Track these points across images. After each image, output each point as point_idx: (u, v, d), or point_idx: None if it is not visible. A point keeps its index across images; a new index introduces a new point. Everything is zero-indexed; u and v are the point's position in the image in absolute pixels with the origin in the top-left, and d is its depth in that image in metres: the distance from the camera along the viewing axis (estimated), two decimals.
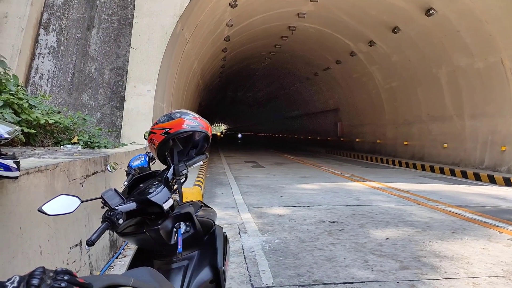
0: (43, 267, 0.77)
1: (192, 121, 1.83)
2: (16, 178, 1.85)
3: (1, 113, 3.92)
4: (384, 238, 5.02)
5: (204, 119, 1.91)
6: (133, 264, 1.76)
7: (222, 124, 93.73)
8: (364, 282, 3.55)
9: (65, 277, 0.76)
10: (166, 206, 1.62)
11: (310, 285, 3.48)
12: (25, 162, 2.51)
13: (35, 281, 0.72)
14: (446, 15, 12.36)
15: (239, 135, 49.27)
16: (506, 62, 11.59)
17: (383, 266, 3.96)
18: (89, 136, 5.49)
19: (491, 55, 12.03)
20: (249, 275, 3.71)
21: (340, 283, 3.52)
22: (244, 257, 4.23)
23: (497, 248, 4.65)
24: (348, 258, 4.23)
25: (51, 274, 0.76)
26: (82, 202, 1.47)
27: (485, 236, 5.20)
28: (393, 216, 6.33)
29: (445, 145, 14.72)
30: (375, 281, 3.58)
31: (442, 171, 13.39)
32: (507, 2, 10.62)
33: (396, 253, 4.39)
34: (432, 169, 13.95)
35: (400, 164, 16.18)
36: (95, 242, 1.39)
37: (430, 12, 12.45)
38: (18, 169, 1.79)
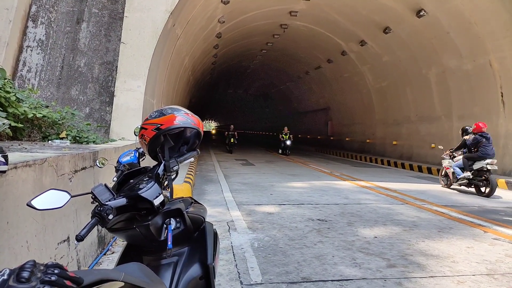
0: (34, 261, 0.76)
1: (183, 117, 1.82)
2: (4, 172, 1.83)
3: None
4: (372, 237, 5.07)
5: (196, 116, 1.91)
6: (122, 260, 1.76)
7: (213, 121, 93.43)
8: (352, 279, 3.59)
9: (56, 271, 0.76)
10: (156, 202, 1.62)
11: (298, 282, 3.50)
12: (12, 157, 2.48)
13: (25, 274, 0.72)
14: (436, 16, 12.49)
15: (288, 142, 21.04)
16: (494, 64, 11.77)
17: (371, 264, 4.01)
18: (77, 131, 5.42)
19: (479, 57, 12.20)
20: (238, 272, 3.72)
21: (328, 281, 3.55)
22: (233, 254, 4.24)
23: (482, 247, 4.74)
24: (337, 256, 4.26)
25: (42, 267, 0.76)
26: (71, 197, 1.46)
27: (470, 235, 5.29)
28: (381, 215, 6.40)
29: (433, 145, 14.90)
30: (363, 278, 3.62)
31: (429, 171, 13.56)
32: (496, 5, 10.78)
33: (383, 251, 4.44)
34: (420, 169, 14.12)
35: (389, 164, 16.34)
36: (85, 237, 1.38)
37: (421, 13, 12.57)
38: (6, 163, 1.76)
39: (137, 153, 2.43)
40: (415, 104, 16.18)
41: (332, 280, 3.56)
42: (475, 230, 5.59)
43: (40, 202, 1.37)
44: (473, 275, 3.78)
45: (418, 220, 6.09)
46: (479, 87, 12.59)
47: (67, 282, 0.76)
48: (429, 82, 14.89)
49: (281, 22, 17.20)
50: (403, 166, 15.26)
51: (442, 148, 10.88)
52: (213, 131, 64.71)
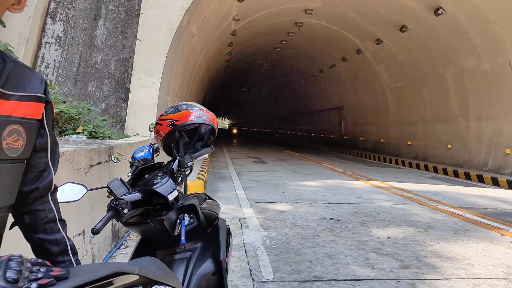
0: (21, 256, 0.75)
1: (198, 114, 1.82)
2: None
3: None
4: (385, 237, 5.02)
5: (211, 112, 1.91)
6: (136, 254, 1.77)
7: (226, 119, 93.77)
8: (364, 280, 3.56)
9: (41, 269, 0.75)
10: (171, 197, 1.63)
11: (310, 281, 3.48)
12: None
13: (12, 275, 0.71)
14: (455, 15, 12.26)
15: None
16: None
17: (384, 265, 3.96)
18: (93, 126, 5.50)
19: (499, 57, 11.93)
20: (250, 269, 3.72)
21: (340, 280, 3.52)
22: (245, 252, 4.25)
23: (499, 250, 4.65)
24: (349, 255, 4.23)
25: (28, 264, 0.75)
26: (88, 190, 1.48)
27: (486, 238, 5.19)
28: (395, 216, 6.33)
29: (449, 146, 14.65)
30: (376, 279, 3.58)
31: (445, 172, 13.34)
32: None
33: (397, 252, 4.39)
34: (435, 170, 13.90)
35: (403, 164, 16.13)
36: (100, 230, 1.39)
37: (439, 12, 12.34)
38: None
39: (151, 149, 2.44)
40: (431, 104, 15.92)
41: (344, 280, 3.53)
42: (492, 232, 5.48)
43: (57, 195, 1.39)
44: (489, 278, 3.71)
45: (432, 222, 6.00)
46: (497, 87, 12.31)
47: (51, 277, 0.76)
48: (446, 82, 14.63)
49: (296, 20, 17.11)
50: (418, 167, 15.05)
51: None
52: (235, 130, 50.12)
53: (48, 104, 1.04)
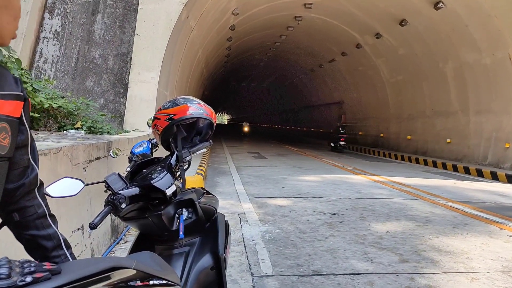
0: (7, 258, 0.76)
1: (196, 108, 1.81)
2: None
3: None
4: (384, 231, 5.03)
5: (209, 106, 1.90)
6: (134, 249, 1.77)
7: (226, 114, 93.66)
8: (363, 274, 3.57)
9: (32, 264, 0.76)
10: (168, 191, 1.62)
11: (309, 275, 3.49)
12: None
13: (4, 271, 0.72)
14: (454, 9, 12.20)
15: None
16: None
17: (383, 259, 3.97)
18: (92, 121, 5.48)
19: (499, 51, 11.89)
20: (249, 264, 3.73)
21: (339, 274, 3.53)
22: (244, 246, 4.25)
23: (498, 244, 4.66)
24: (348, 250, 4.24)
25: (17, 263, 0.76)
26: (85, 185, 1.47)
27: (485, 232, 5.20)
28: (394, 210, 6.34)
29: (448, 140, 14.66)
30: (374, 273, 3.59)
31: (444, 166, 13.35)
32: None
33: (396, 246, 4.40)
34: (434, 164, 13.91)
35: (403, 159, 16.14)
36: (98, 225, 1.39)
37: (439, 5, 12.29)
38: None
39: (150, 144, 2.43)
40: (430, 99, 15.90)
41: (343, 274, 3.54)
42: (491, 226, 5.50)
43: (54, 189, 1.39)
44: (488, 272, 3.72)
45: (431, 216, 6.01)
46: (497, 81, 12.29)
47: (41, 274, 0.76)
48: (445, 76, 14.60)
49: (295, 14, 17.03)
50: (417, 161, 15.06)
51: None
52: (246, 128, 38.61)
53: (25, 101, 1.04)
